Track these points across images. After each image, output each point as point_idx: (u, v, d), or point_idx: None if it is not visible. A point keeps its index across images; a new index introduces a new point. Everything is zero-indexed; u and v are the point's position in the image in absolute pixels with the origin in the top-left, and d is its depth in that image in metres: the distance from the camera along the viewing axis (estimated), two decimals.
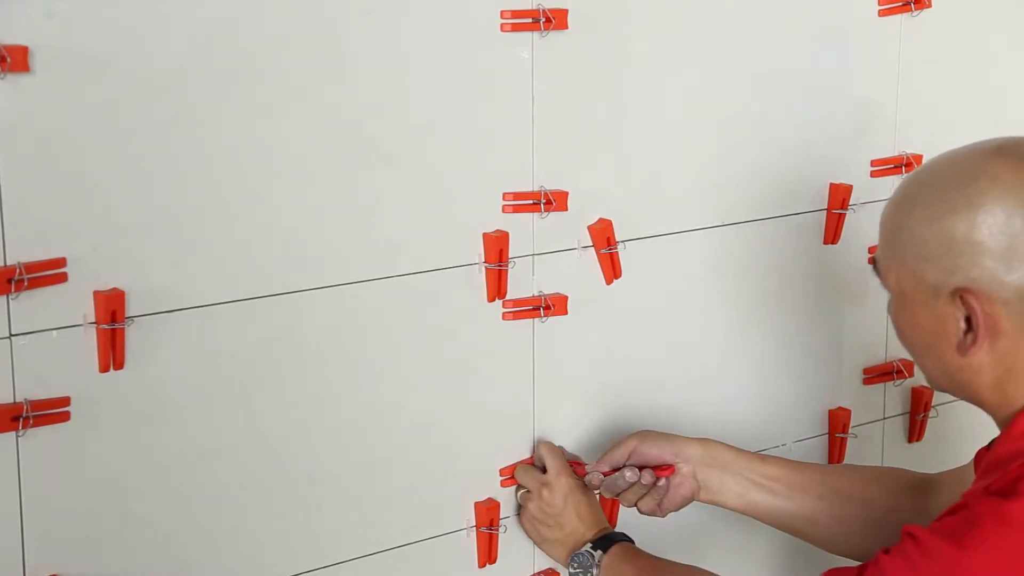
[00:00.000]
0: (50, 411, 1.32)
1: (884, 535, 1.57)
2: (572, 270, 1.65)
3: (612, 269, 1.66)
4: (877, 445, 2.00)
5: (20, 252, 1.28)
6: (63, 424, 1.33)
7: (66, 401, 1.33)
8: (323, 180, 1.46)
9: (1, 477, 1.31)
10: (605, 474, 1.60)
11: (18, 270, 1.28)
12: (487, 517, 1.62)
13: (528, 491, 1.63)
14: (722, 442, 1.63)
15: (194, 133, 1.37)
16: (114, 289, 1.34)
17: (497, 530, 1.63)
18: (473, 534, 1.63)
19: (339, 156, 1.46)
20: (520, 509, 1.64)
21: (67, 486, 1.35)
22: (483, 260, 1.58)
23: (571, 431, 1.69)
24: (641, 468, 1.59)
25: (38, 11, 1.26)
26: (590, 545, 1.58)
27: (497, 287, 1.59)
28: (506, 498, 1.64)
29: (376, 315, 1.52)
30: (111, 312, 1.33)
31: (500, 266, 1.58)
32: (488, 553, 1.63)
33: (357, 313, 1.51)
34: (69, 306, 1.32)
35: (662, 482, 1.60)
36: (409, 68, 1.49)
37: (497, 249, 1.57)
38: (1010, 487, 1.23)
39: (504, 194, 1.58)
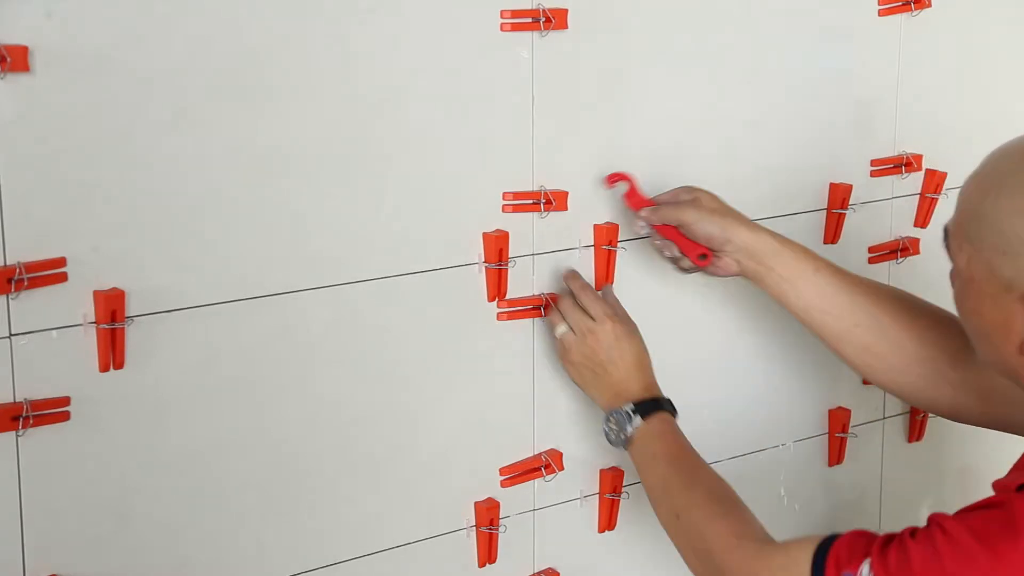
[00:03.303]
0: (50, 411, 1.32)
1: (902, 378, 1.57)
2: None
3: (607, 268, 1.66)
4: (877, 445, 2.00)
5: (20, 252, 1.28)
6: (63, 424, 1.33)
7: (66, 401, 1.33)
8: (323, 180, 1.46)
9: (1, 477, 1.32)
10: (653, 226, 1.59)
11: (18, 270, 1.28)
12: (487, 517, 1.62)
13: (569, 331, 1.58)
14: (777, 238, 1.59)
15: (194, 133, 1.37)
16: (114, 289, 1.34)
17: (497, 530, 1.63)
18: (473, 534, 1.63)
19: (339, 156, 1.46)
20: (562, 349, 1.60)
21: (67, 486, 1.35)
22: (483, 260, 1.58)
23: (571, 430, 1.69)
24: (686, 245, 1.57)
25: (38, 11, 1.26)
26: (632, 406, 1.55)
27: (497, 287, 1.59)
28: (506, 498, 1.64)
29: (376, 315, 1.52)
30: (111, 312, 1.33)
31: (500, 266, 1.58)
32: (488, 553, 1.63)
33: (357, 313, 1.51)
34: (69, 306, 1.32)
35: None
36: (409, 68, 1.49)
37: (497, 249, 1.57)
38: None
39: (504, 194, 1.58)
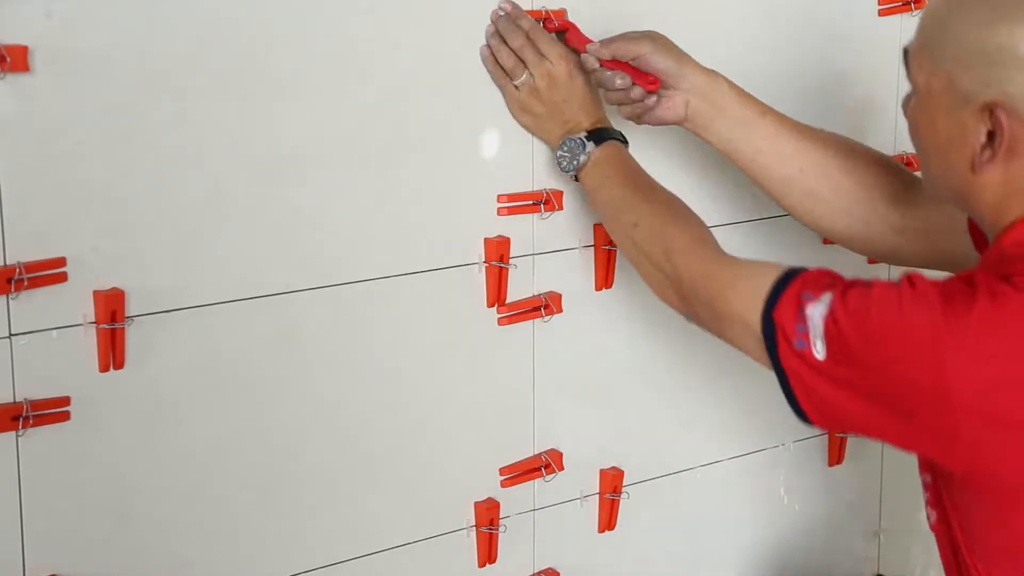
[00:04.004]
0: (50, 411, 1.32)
1: (843, 220, 1.59)
2: (573, 270, 1.65)
3: (607, 268, 1.66)
4: (877, 445, 2.00)
5: (20, 252, 1.29)
6: (63, 424, 1.33)
7: (66, 401, 1.33)
8: (323, 180, 1.46)
9: (1, 477, 1.32)
10: (602, 63, 1.54)
11: (18, 270, 1.28)
12: (487, 517, 1.62)
13: (523, 68, 1.54)
14: (730, 82, 1.58)
15: (194, 133, 1.37)
16: (114, 289, 1.34)
17: (497, 530, 1.63)
18: (473, 534, 1.63)
19: (339, 156, 1.46)
20: (524, 96, 1.55)
21: (67, 486, 1.35)
22: (483, 260, 1.57)
23: (571, 431, 1.69)
24: (637, 75, 1.54)
25: (38, 11, 1.26)
26: (584, 134, 1.54)
27: (497, 292, 1.58)
28: (506, 498, 1.64)
29: (376, 315, 1.52)
30: (111, 312, 1.33)
31: (501, 265, 1.57)
32: (488, 553, 1.63)
33: (357, 313, 1.51)
34: (69, 306, 1.32)
35: (652, 99, 1.55)
36: (409, 68, 1.49)
37: (498, 255, 1.57)
38: (1011, 276, 1.22)
39: (499, 196, 1.57)
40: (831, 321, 1.23)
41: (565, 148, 1.55)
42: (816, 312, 1.24)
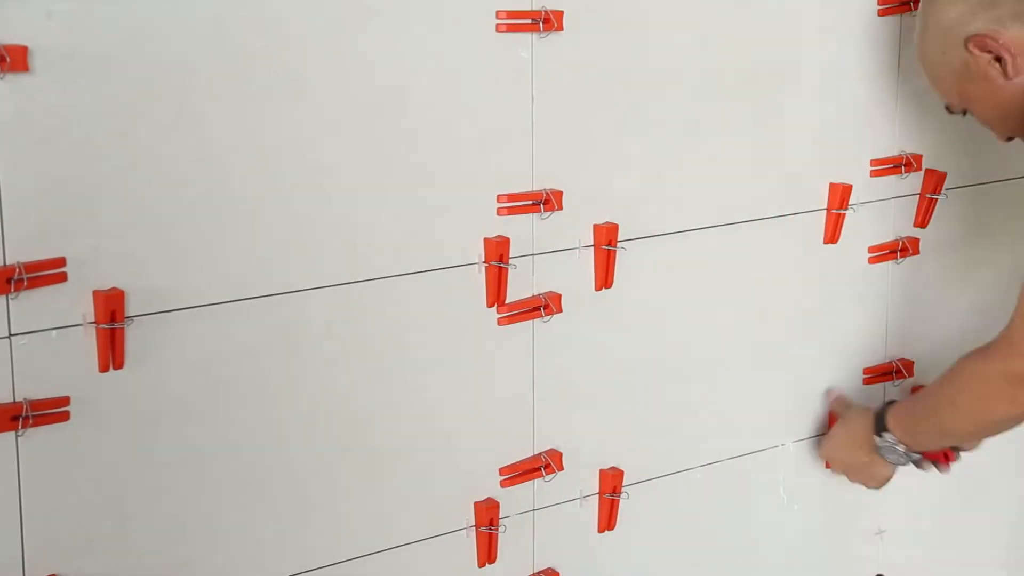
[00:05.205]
0: (50, 411, 1.32)
1: None
2: (572, 270, 1.65)
3: (606, 269, 1.66)
4: None
5: (20, 252, 1.29)
6: (63, 424, 1.33)
7: (66, 401, 1.33)
8: (323, 180, 1.46)
9: (1, 477, 1.32)
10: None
11: (18, 270, 1.28)
12: (487, 517, 1.62)
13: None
14: None
15: (194, 133, 1.37)
16: (114, 289, 1.34)
17: (497, 530, 1.63)
18: (473, 534, 1.63)
19: (339, 156, 1.46)
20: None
21: (67, 486, 1.35)
22: (483, 260, 1.57)
23: (571, 431, 1.69)
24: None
25: (38, 11, 1.26)
26: (891, 437, 1.75)
27: (497, 292, 1.58)
28: (506, 498, 1.64)
29: (376, 315, 1.52)
30: (111, 312, 1.33)
31: (500, 264, 1.57)
32: (488, 553, 1.63)
33: (357, 313, 1.51)
34: (69, 306, 1.32)
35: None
36: (410, 68, 1.49)
37: (498, 255, 1.57)
38: None
39: (499, 196, 1.57)
40: None
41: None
42: None
